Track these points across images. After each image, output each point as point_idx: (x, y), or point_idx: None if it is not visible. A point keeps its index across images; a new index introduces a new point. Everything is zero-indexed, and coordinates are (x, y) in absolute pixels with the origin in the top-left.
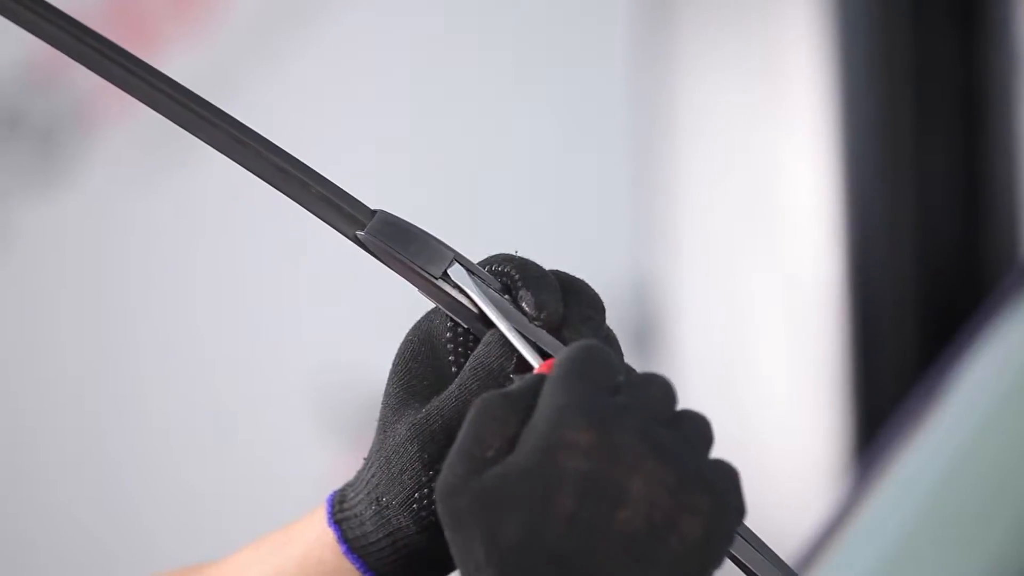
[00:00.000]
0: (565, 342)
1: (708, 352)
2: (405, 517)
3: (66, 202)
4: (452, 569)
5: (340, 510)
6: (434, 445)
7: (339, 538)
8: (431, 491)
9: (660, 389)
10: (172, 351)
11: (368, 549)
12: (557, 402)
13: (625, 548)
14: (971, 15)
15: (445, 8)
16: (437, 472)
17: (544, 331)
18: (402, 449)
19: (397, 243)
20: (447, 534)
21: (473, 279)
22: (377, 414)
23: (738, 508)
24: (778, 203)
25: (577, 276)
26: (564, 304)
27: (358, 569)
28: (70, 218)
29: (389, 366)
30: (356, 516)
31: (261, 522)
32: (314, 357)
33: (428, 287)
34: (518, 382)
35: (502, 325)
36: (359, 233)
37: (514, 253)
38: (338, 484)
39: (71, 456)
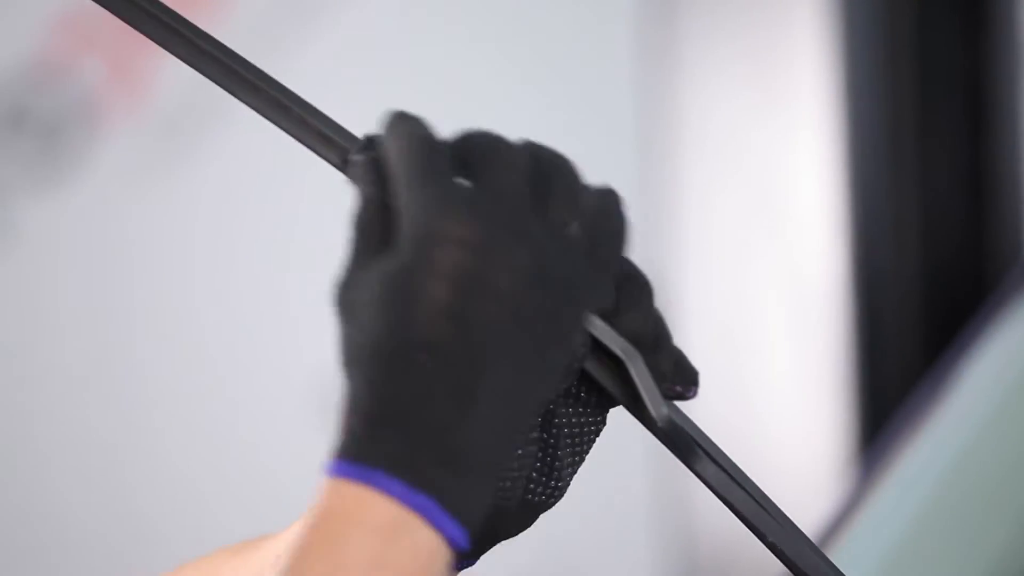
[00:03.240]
0: (614, 325)
1: (713, 348)
2: None
3: (71, 199)
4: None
5: None
6: None
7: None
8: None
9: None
10: (174, 347)
11: None
12: (421, 197)
13: (496, 338)
14: (976, 13)
15: (448, 6)
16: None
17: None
18: None
19: None
20: (339, 327)
21: None
22: None
23: (594, 290)
24: (783, 199)
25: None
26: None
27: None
28: (75, 215)
29: None
30: None
31: (261, 519)
32: (315, 355)
33: None
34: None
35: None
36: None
37: None
38: None
39: (72, 452)
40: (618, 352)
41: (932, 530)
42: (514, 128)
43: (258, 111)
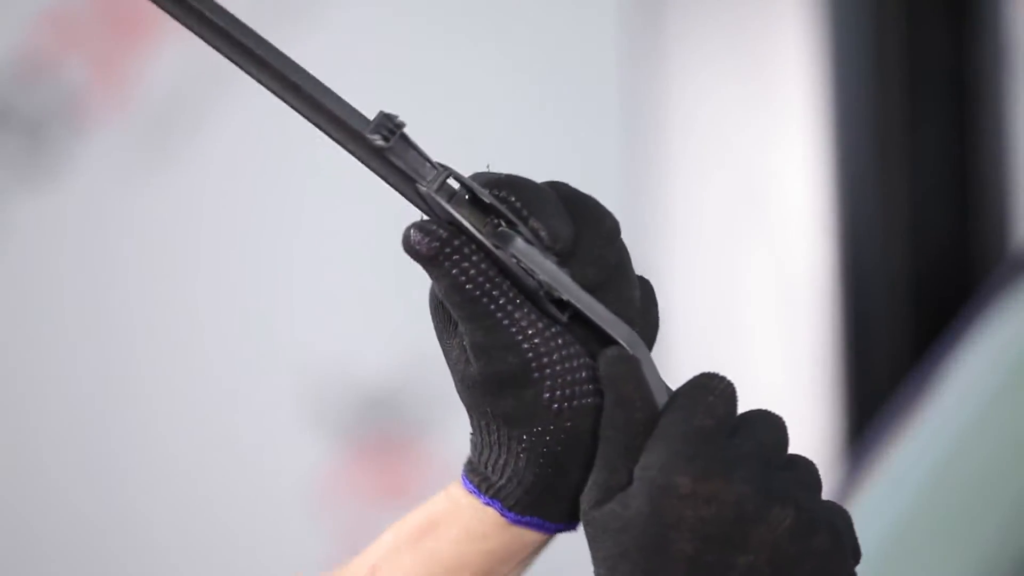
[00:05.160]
0: (575, 278)
1: (700, 345)
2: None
3: (57, 197)
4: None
5: (488, 487)
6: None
7: (500, 510)
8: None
9: (776, 431)
10: (162, 345)
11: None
12: (674, 445)
13: None
14: (963, 11)
15: (434, 3)
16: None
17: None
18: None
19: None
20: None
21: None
22: (364, 406)
23: (854, 549)
24: (770, 196)
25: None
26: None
27: (535, 528)
28: (61, 213)
29: (377, 358)
30: (509, 480)
31: (252, 514)
32: (304, 351)
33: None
34: (640, 406)
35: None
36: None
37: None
38: (328, 476)
39: (65, 450)
40: (622, 343)
41: (920, 526)
42: (501, 125)
43: (273, 91)
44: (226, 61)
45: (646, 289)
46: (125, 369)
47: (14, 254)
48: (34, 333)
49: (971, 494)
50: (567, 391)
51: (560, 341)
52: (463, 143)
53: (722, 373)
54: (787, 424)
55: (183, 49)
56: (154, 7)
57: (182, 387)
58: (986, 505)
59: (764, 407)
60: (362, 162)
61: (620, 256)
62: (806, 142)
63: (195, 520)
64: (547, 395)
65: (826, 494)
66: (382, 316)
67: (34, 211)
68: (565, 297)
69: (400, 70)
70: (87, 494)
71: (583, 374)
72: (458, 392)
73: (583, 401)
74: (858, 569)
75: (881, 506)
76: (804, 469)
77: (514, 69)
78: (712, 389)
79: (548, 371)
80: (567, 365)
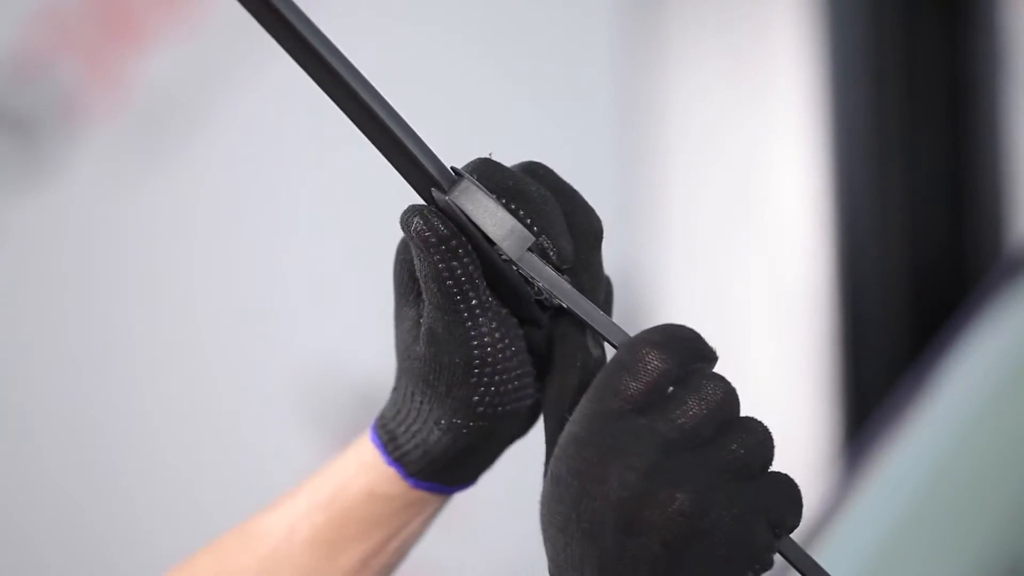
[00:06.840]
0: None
1: None
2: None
3: (51, 197)
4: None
5: (395, 448)
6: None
7: (403, 474)
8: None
9: (706, 405)
10: (157, 345)
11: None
12: (574, 427)
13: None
14: (959, 10)
15: (431, 4)
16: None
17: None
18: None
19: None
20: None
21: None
22: (359, 406)
23: (774, 524)
24: (766, 196)
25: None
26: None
27: (434, 491)
28: (55, 213)
29: (370, 359)
30: (416, 448)
31: (247, 513)
32: (299, 351)
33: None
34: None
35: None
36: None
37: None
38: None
39: (61, 449)
40: (619, 348)
41: (917, 527)
42: (496, 122)
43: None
44: (220, 63)
45: (608, 288)
46: (120, 369)
47: (8, 254)
48: (29, 333)
49: (968, 495)
50: (496, 399)
51: (511, 351)
52: (458, 144)
53: (659, 327)
54: (730, 397)
55: (177, 50)
56: (150, 6)
57: (177, 387)
58: (983, 506)
59: (758, 408)
60: (383, 152)
61: (600, 258)
62: (802, 142)
63: (189, 519)
64: (476, 398)
65: (822, 497)
66: (377, 315)
67: (28, 211)
68: (565, 304)
69: (394, 69)
70: (82, 493)
71: (517, 383)
72: (397, 354)
73: (507, 407)
74: (855, 570)
75: (878, 507)
76: (750, 439)
77: (508, 67)
78: (628, 366)
79: (486, 378)
80: (505, 376)
